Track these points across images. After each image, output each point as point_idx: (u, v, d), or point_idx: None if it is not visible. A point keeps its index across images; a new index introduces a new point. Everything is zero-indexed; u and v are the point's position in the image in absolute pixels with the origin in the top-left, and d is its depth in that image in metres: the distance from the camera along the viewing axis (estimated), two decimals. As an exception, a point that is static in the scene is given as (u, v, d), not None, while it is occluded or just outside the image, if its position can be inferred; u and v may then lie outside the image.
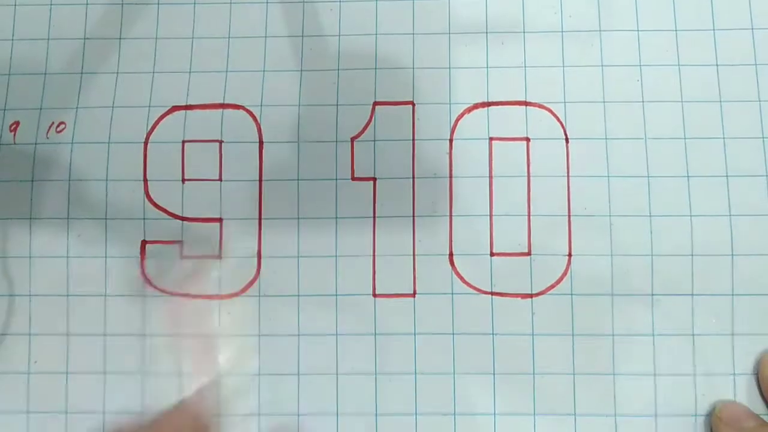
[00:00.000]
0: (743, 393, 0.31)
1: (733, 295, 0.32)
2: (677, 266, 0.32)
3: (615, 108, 0.33)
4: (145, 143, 0.34)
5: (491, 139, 0.33)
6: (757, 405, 0.31)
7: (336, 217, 0.33)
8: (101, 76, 0.34)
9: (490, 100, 0.33)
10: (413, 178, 0.33)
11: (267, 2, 0.35)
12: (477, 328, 0.32)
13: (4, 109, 0.34)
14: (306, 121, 0.34)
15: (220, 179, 0.33)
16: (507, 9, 0.34)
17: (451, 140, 0.33)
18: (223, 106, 0.34)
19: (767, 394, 0.31)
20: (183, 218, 0.33)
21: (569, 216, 0.32)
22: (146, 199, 0.33)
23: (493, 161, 0.33)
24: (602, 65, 0.33)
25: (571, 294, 0.32)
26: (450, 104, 0.33)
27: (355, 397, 0.32)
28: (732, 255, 0.32)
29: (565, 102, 0.33)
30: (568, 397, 0.31)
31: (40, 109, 0.34)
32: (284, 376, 0.32)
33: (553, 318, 0.32)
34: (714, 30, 0.34)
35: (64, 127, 0.34)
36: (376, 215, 0.33)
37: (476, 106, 0.33)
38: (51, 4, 0.35)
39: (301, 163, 0.33)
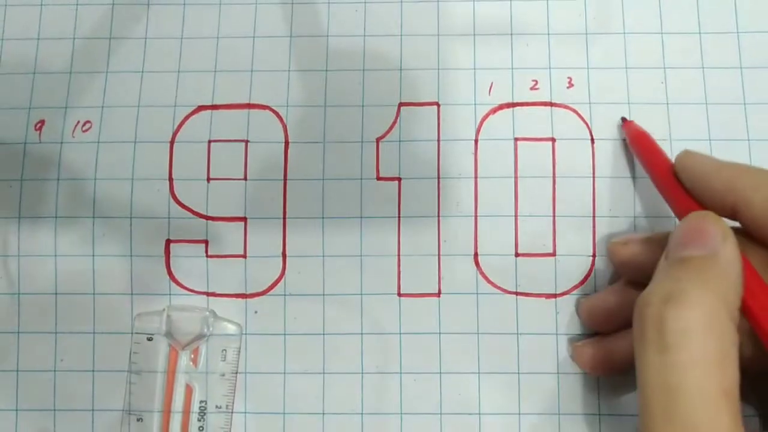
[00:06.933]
0: None
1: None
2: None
3: (640, 109, 0.33)
4: (171, 143, 0.34)
5: (516, 139, 0.33)
6: None
7: (361, 217, 0.33)
8: (126, 75, 0.34)
9: (515, 101, 0.34)
10: (438, 178, 0.33)
11: (292, 3, 0.35)
12: (502, 328, 0.32)
13: (29, 108, 0.34)
14: (331, 122, 0.34)
15: (246, 179, 0.33)
16: (531, 11, 0.34)
17: (476, 141, 0.33)
18: (249, 106, 0.34)
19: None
20: (208, 217, 0.33)
21: (594, 217, 0.33)
22: (171, 199, 0.33)
23: (518, 162, 0.33)
24: (626, 67, 0.34)
25: (596, 294, 0.32)
26: (475, 105, 0.34)
27: (380, 396, 0.32)
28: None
29: (590, 103, 0.33)
30: (592, 397, 0.32)
31: (66, 108, 0.34)
32: (309, 375, 0.32)
33: (578, 318, 0.32)
34: (738, 32, 0.34)
35: (90, 126, 0.34)
36: (401, 215, 0.33)
37: (501, 107, 0.34)
38: (77, 4, 0.35)
39: (326, 163, 0.33)
